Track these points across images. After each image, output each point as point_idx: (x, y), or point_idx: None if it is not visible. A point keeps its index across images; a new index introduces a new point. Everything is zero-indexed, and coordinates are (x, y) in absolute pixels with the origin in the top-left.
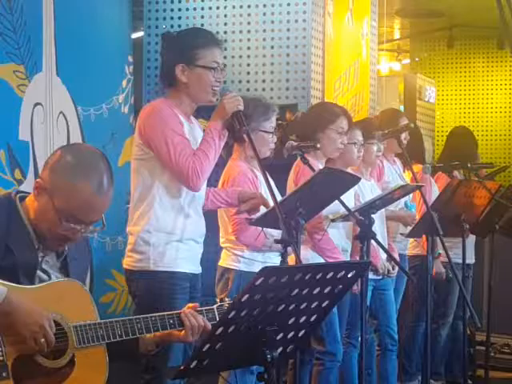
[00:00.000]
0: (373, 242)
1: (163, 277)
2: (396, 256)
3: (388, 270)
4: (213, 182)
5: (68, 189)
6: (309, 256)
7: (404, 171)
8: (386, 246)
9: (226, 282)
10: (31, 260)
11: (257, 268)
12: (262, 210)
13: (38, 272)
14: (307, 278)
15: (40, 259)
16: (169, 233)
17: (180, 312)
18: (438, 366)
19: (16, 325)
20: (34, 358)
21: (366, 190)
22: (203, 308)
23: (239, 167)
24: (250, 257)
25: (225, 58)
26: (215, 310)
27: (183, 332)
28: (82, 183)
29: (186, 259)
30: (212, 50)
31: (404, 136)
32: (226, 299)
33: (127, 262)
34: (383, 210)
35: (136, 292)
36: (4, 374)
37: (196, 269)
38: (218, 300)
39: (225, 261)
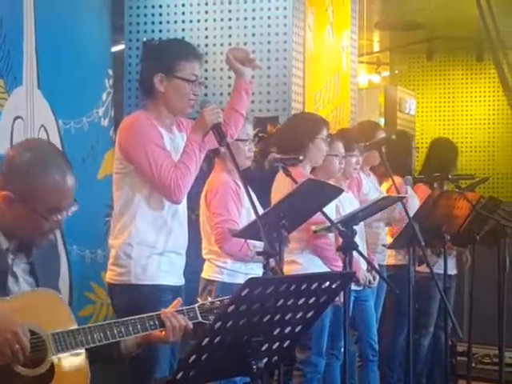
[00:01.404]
0: (354, 252)
1: (145, 290)
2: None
3: (369, 281)
4: (193, 194)
5: (41, 187)
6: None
7: (380, 184)
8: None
9: (208, 294)
10: (2, 263)
11: (239, 279)
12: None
13: (9, 277)
14: (292, 288)
15: (10, 262)
16: (150, 246)
17: (160, 313)
18: (419, 376)
19: None
20: (13, 367)
21: (346, 201)
22: (184, 308)
23: (222, 179)
24: (233, 268)
25: (206, 70)
26: (196, 309)
27: (164, 333)
28: (50, 174)
29: (168, 272)
30: (192, 63)
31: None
32: (208, 298)
33: (109, 276)
34: (362, 222)
35: (118, 306)
36: None
37: (178, 281)
38: (199, 300)
39: (207, 272)
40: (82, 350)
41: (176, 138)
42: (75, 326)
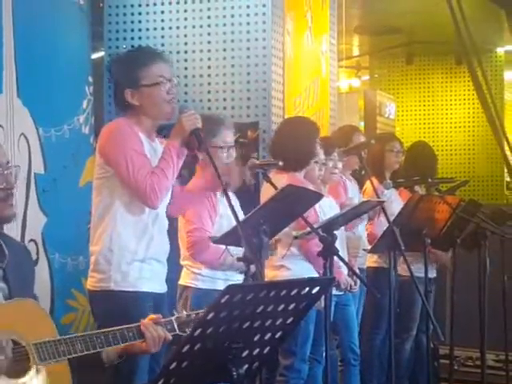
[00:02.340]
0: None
1: (125, 297)
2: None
3: (350, 286)
4: None
5: None
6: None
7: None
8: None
9: (185, 301)
10: None
11: (218, 285)
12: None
13: None
14: (272, 294)
15: None
16: (131, 252)
17: (139, 324)
18: (401, 380)
19: None
20: None
21: (326, 207)
22: (162, 320)
23: (200, 185)
24: (209, 274)
25: (185, 77)
26: (173, 322)
27: (145, 344)
28: None
29: (148, 279)
30: (154, 66)
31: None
32: (184, 312)
33: (89, 283)
34: (343, 227)
35: (98, 313)
36: None
37: (160, 288)
38: (176, 313)
39: (184, 279)
40: (65, 360)
41: (157, 145)
42: (56, 336)
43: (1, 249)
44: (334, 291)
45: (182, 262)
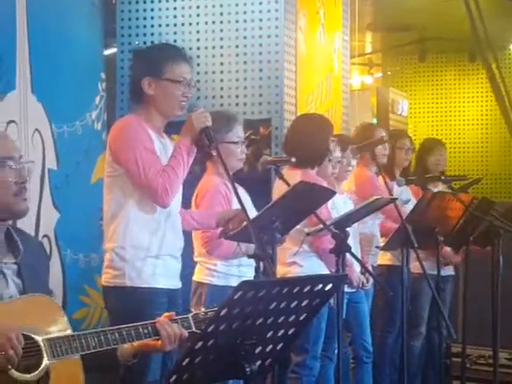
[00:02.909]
0: (348, 255)
1: (139, 293)
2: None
3: (362, 283)
4: (187, 197)
5: None
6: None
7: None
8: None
9: (199, 297)
10: None
11: (230, 282)
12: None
13: None
14: (285, 291)
15: None
16: (144, 248)
17: (155, 321)
18: (413, 378)
19: None
20: (8, 372)
21: (340, 203)
22: (178, 317)
23: (213, 182)
24: (224, 271)
25: (198, 73)
26: (190, 319)
27: (160, 341)
28: None
29: (163, 275)
30: (180, 65)
31: (384, 147)
32: (202, 309)
33: (104, 279)
34: (356, 224)
35: (112, 308)
36: None
37: (174, 284)
38: (193, 310)
39: (198, 275)
40: (78, 357)
41: (166, 140)
42: (70, 332)
43: (16, 244)
44: (346, 288)
45: (195, 259)
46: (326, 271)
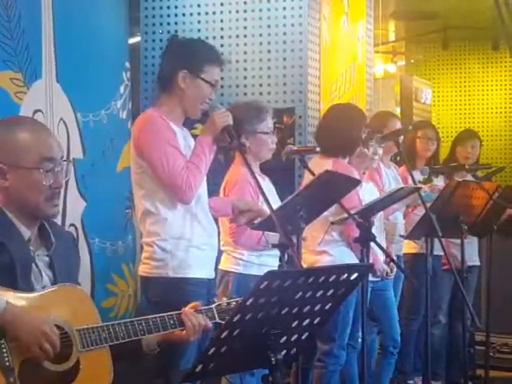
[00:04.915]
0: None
1: (182, 283)
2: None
3: (386, 272)
4: (213, 186)
5: (20, 142)
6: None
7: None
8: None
9: (226, 285)
10: (26, 253)
11: (257, 271)
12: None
13: (33, 267)
14: (310, 281)
15: (33, 254)
16: (185, 239)
17: (180, 312)
18: (435, 366)
19: (18, 333)
20: (40, 362)
21: (366, 192)
22: (202, 308)
23: (241, 172)
24: (250, 259)
25: None
26: (214, 310)
27: (185, 332)
28: (24, 129)
29: (202, 265)
30: (215, 68)
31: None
32: (224, 298)
33: (143, 269)
34: (381, 213)
35: (153, 298)
36: (11, 379)
37: (211, 273)
38: (216, 300)
39: (225, 264)
40: (106, 347)
41: (186, 132)
42: (99, 322)
43: (48, 236)
44: (371, 277)
45: (222, 248)
46: (355, 260)
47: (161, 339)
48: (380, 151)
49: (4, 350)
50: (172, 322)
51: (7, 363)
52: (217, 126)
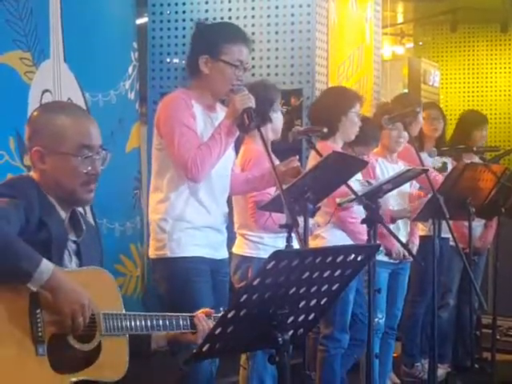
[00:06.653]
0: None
1: (180, 262)
2: (416, 238)
3: (404, 255)
4: None
5: (60, 128)
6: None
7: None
8: (409, 229)
9: (245, 271)
10: (63, 233)
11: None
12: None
13: (68, 248)
14: (317, 261)
15: (67, 235)
16: (185, 220)
17: (193, 315)
18: (441, 349)
19: (59, 301)
20: (67, 338)
21: (389, 172)
22: (213, 315)
23: (256, 148)
24: (270, 243)
25: None
26: None
27: (195, 335)
28: (66, 115)
29: (201, 245)
30: (239, 47)
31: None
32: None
33: (150, 251)
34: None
35: (158, 279)
36: (41, 351)
37: (216, 254)
38: (237, 287)
39: (242, 248)
40: (126, 336)
41: (217, 114)
42: (122, 308)
43: (79, 224)
44: (389, 260)
45: (237, 230)
46: (349, 242)
47: (171, 337)
48: (406, 134)
49: (39, 321)
50: (185, 323)
51: (40, 333)
52: (237, 109)
